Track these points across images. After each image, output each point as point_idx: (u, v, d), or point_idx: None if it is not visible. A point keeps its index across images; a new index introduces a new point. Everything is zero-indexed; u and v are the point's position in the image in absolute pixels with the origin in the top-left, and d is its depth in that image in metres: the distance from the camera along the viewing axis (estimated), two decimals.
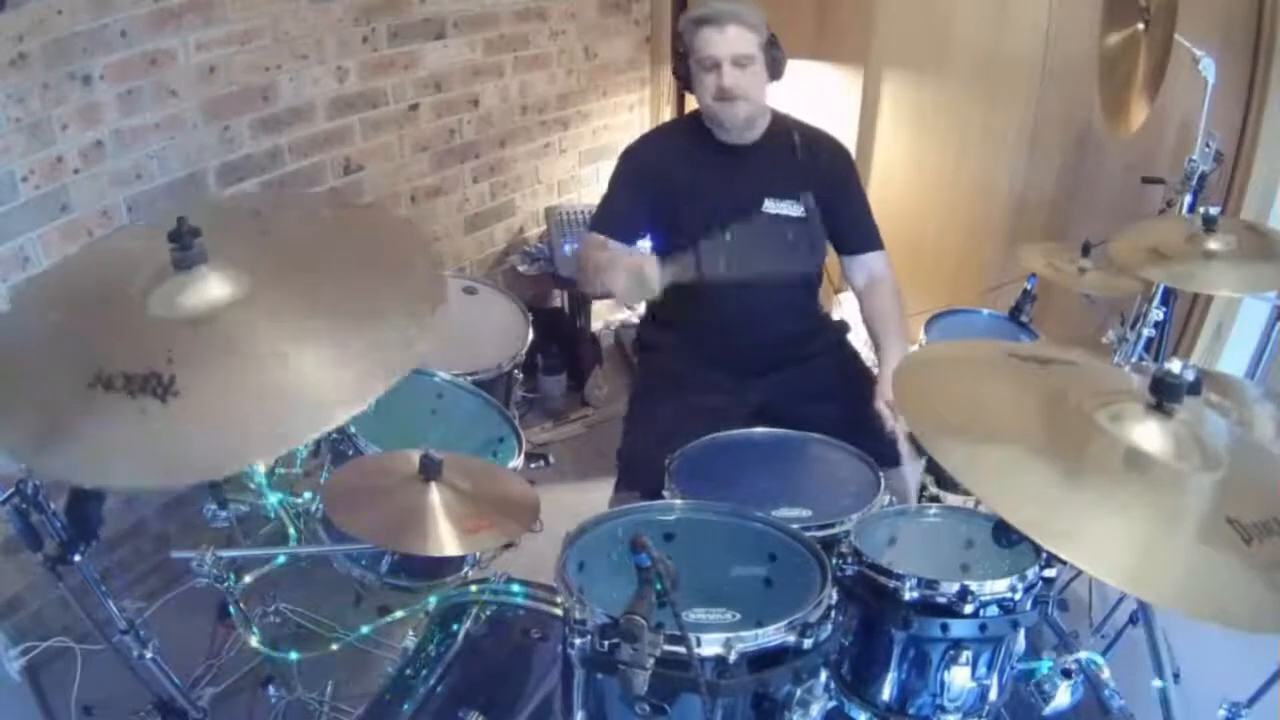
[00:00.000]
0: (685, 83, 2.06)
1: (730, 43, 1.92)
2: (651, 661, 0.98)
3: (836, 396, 2.04)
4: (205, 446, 0.95)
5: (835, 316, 2.34)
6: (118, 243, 1.44)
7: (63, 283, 1.31)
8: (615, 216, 2.09)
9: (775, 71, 2.02)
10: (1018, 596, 1.22)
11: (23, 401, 1.04)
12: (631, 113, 3.73)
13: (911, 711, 1.27)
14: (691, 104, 3.54)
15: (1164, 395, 1.07)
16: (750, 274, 1.78)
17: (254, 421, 0.96)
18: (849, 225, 2.12)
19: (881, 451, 1.78)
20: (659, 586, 0.98)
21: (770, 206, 2.04)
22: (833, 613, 1.16)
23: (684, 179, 2.05)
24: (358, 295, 1.13)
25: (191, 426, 0.94)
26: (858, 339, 2.29)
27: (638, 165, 2.12)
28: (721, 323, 2.06)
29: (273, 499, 1.69)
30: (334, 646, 1.70)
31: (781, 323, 2.10)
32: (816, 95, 3.05)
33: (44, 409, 1.01)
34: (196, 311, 1.06)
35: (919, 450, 1.86)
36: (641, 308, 2.29)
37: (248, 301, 1.08)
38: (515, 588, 1.54)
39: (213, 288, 1.09)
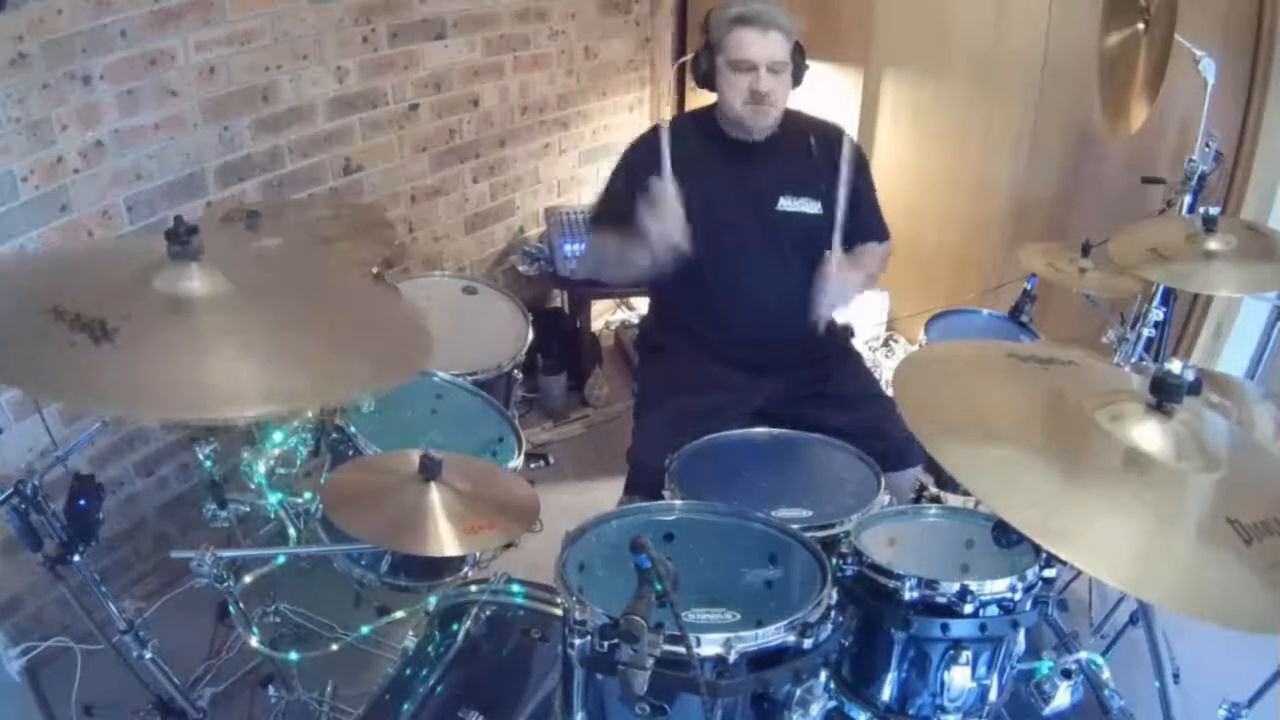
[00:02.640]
0: (706, 81, 2.00)
1: (770, 47, 1.88)
2: (651, 662, 0.98)
3: (838, 399, 2.03)
4: (108, 389, 1.03)
5: (840, 321, 2.33)
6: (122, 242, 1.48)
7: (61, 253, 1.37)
8: (616, 212, 2.04)
9: (797, 79, 1.99)
10: (1017, 596, 1.22)
11: None
12: (631, 113, 3.73)
13: (911, 711, 1.28)
14: (691, 104, 3.56)
15: (1164, 395, 1.06)
16: None
17: (160, 388, 1.05)
18: (859, 219, 2.10)
19: (884, 456, 1.77)
20: (659, 587, 0.98)
21: (785, 204, 2.03)
22: (832, 613, 1.16)
23: (693, 178, 2.04)
24: (328, 338, 1.20)
25: (107, 370, 1.03)
26: (861, 343, 2.29)
27: (642, 160, 2.09)
28: (726, 323, 2.06)
29: (273, 499, 1.69)
30: (334, 646, 1.70)
31: (787, 326, 2.09)
32: (817, 95, 3.05)
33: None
34: (173, 292, 1.12)
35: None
36: (644, 306, 2.29)
37: (220, 303, 1.14)
38: (515, 588, 1.54)
39: (195, 282, 1.14)
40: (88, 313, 1.05)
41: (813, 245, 2.11)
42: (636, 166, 2.06)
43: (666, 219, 1.82)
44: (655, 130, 2.08)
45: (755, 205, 2.04)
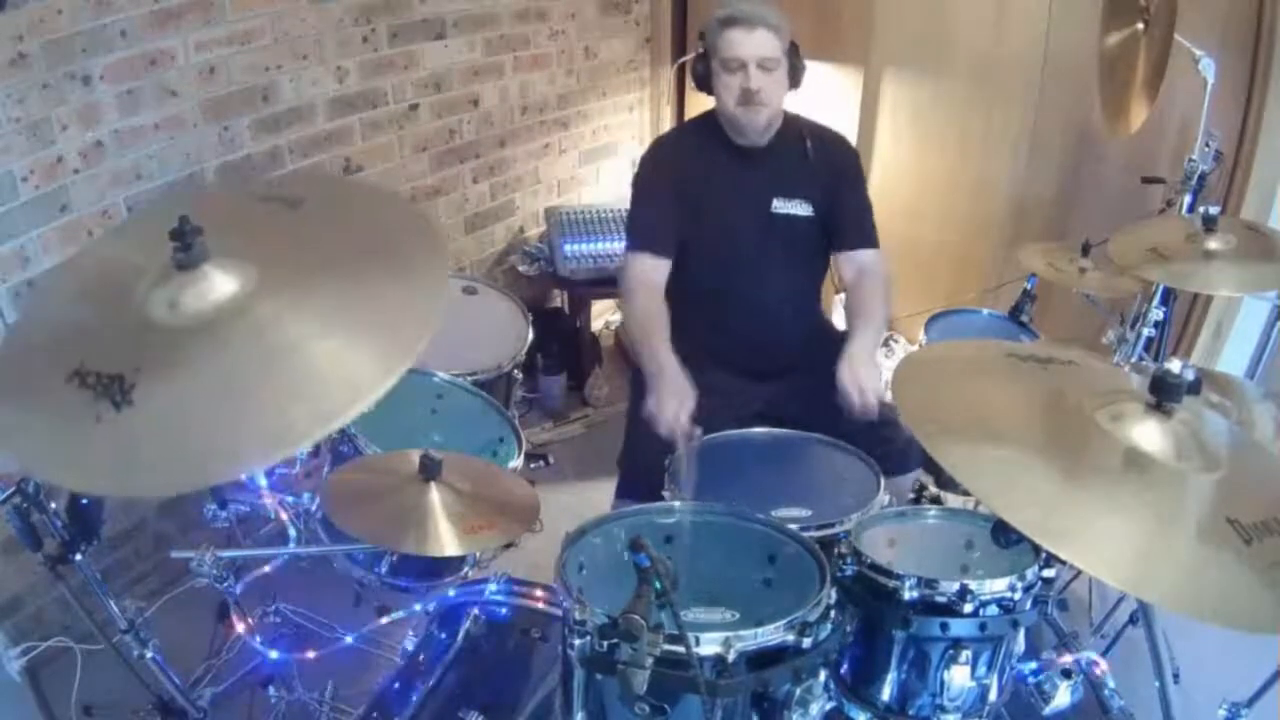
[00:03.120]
0: (704, 85, 2.03)
1: (757, 45, 1.90)
2: (651, 661, 0.97)
3: (836, 403, 2.03)
4: (143, 462, 0.95)
5: (837, 324, 2.33)
6: (121, 240, 1.42)
7: (74, 279, 1.30)
8: (650, 230, 2.05)
9: (795, 80, 2.00)
10: (1017, 596, 1.22)
11: (17, 389, 1.05)
12: (631, 113, 3.73)
13: (911, 711, 1.27)
14: (692, 104, 3.56)
15: (1164, 395, 1.06)
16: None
17: (193, 447, 0.95)
18: (847, 222, 2.10)
19: (884, 460, 1.77)
20: (658, 586, 0.98)
21: (779, 206, 2.04)
22: (832, 612, 1.16)
23: (699, 180, 2.04)
24: (363, 294, 1.10)
25: (134, 439, 0.94)
26: None
27: (658, 171, 2.10)
28: (724, 327, 2.06)
29: (272, 499, 1.69)
30: (334, 646, 1.70)
31: (784, 328, 2.09)
32: (817, 95, 3.05)
33: (28, 395, 1.02)
34: (192, 314, 1.04)
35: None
36: None
37: (250, 300, 1.04)
38: (515, 588, 1.54)
39: (215, 287, 1.05)
40: (106, 368, 0.97)
41: (806, 248, 2.11)
42: (657, 178, 2.08)
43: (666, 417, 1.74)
44: (663, 139, 2.09)
45: (752, 207, 2.04)
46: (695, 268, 2.04)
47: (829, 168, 2.08)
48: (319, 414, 0.94)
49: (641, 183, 2.13)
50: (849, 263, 2.10)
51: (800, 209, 2.05)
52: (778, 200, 2.04)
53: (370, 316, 1.05)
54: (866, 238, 2.11)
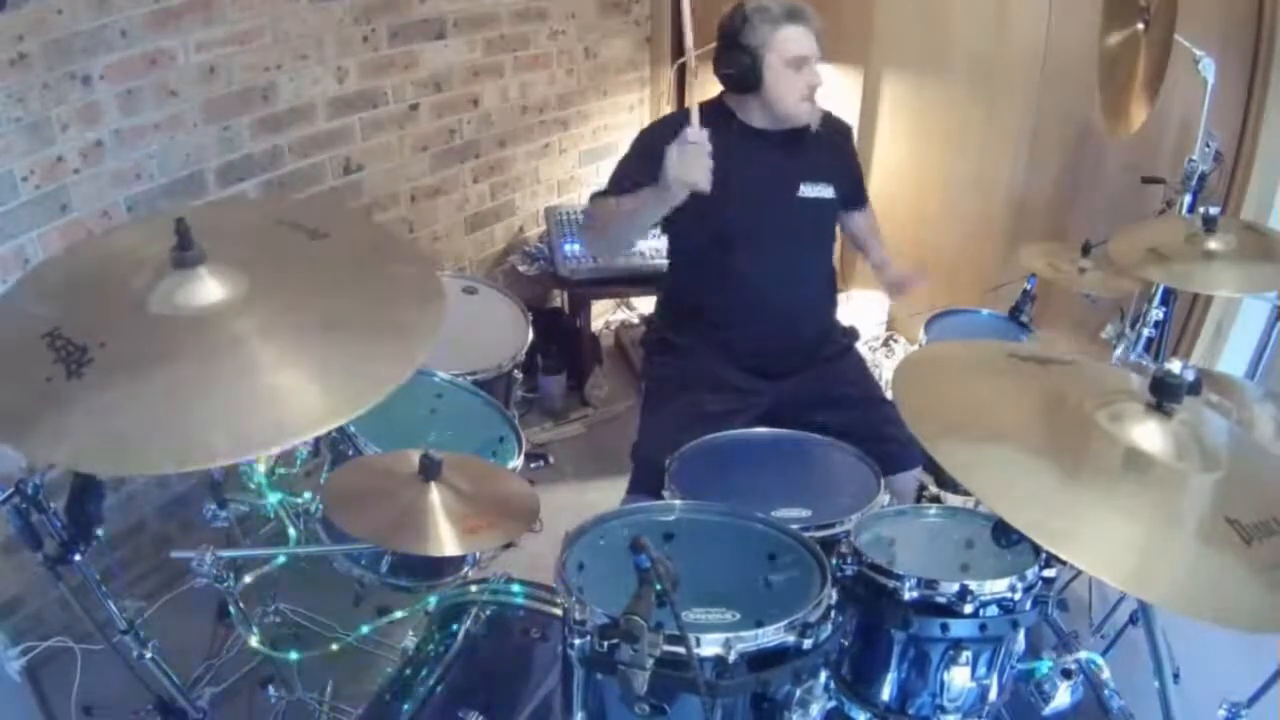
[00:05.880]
0: (743, 83, 1.94)
1: (815, 40, 1.93)
2: (651, 662, 0.97)
3: (845, 402, 2.03)
4: (62, 430, 0.96)
5: (845, 323, 2.32)
6: (143, 228, 1.45)
7: (73, 262, 1.33)
8: (625, 182, 1.96)
9: None
10: (1017, 596, 1.22)
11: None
12: (631, 113, 3.73)
13: (911, 711, 1.27)
14: (691, 103, 3.55)
15: (1164, 395, 1.06)
16: None
17: (108, 434, 0.97)
18: (851, 187, 2.23)
19: (885, 458, 1.77)
20: (658, 587, 0.98)
21: (806, 190, 2.05)
22: (832, 613, 1.16)
23: (723, 165, 1.97)
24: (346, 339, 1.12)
25: (66, 408, 0.97)
26: (861, 343, 2.29)
27: (660, 140, 2.00)
28: (738, 324, 2.04)
29: (273, 499, 1.69)
30: (334, 646, 1.70)
31: (799, 326, 2.08)
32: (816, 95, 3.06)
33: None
34: (173, 311, 1.07)
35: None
36: (645, 306, 2.28)
37: (227, 314, 1.07)
38: (515, 588, 1.54)
39: (203, 292, 1.08)
40: (76, 338, 1.01)
41: (828, 229, 2.17)
42: (656, 142, 1.97)
43: (694, 167, 1.72)
44: (684, 110, 2.06)
45: (781, 192, 2.04)
46: (724, 252, 2.00)
47: (835, 145, 2.14)
48: (238, 442, 0.97)
49: (638, 147, 2.05)
50: (853, 220, 2.32)
51: (825, 191, 2.08)
52: (805, 185, 2.05)
53: (330, 365, 1.07)
54: (864, 198, 2.34)
